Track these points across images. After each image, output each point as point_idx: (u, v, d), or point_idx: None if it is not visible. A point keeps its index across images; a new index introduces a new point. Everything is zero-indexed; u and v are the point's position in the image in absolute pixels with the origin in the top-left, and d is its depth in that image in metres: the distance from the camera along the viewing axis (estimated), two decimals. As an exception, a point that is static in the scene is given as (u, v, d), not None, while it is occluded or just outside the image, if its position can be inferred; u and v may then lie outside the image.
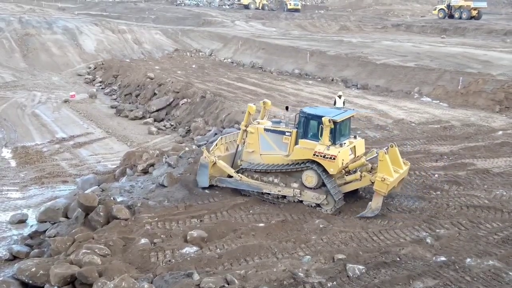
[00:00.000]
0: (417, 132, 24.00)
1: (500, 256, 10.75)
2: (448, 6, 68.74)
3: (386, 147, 14.68)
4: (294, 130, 15.27)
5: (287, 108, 18.25)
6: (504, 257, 10.70)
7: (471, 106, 29.99)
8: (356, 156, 15.09)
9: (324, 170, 14.39)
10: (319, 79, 41.47)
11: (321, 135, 14.39)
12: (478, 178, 16.94)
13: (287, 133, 15.33)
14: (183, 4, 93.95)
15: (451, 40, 52.71)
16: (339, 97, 25.46)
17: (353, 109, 17.79)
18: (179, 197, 15.88)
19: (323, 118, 14.19)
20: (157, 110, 34.54)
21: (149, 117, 33.88)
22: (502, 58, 37.87)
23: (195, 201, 15.60)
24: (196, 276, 10.00)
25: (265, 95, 33.88)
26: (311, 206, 14.91)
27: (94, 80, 47.38)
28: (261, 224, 13.42)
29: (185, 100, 33.95)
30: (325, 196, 14.58)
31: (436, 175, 17.29)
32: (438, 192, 15.63)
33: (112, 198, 15.89)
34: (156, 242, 12.40)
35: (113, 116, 35.20)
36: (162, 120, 33.64)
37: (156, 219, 14.02)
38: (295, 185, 15.05)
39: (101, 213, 14.26)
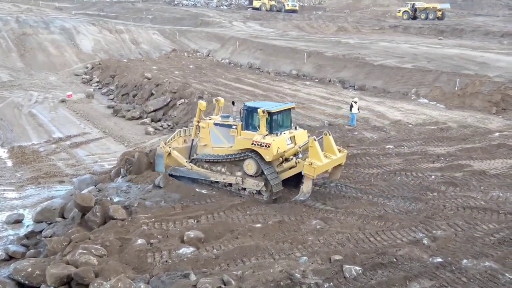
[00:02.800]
0: (414, 133, 24.05)
1: (497, 257, 10.77)
2: (412, 8, 73.04)
3: (321, 136, 15.91)
4: (240, 123, 16.35)
5: (233, 103, 18.99)
6: (500, 258, 10.72)
7: (468, 107, 30.06)
8: (297, 145, 16.06)
9: (262, 158, 15.45)
10: (317, 80, 41.52)
11: (259, 126, 15.56)
12: (475, 179, 16.98)
13: (233, 126, 16.46)
14: (180, 5, 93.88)
15: (448, 42, 52.86)
16: (355, 102, 25.53)
17: (293, 102, 18.87)
18: (176, 197, 15.86)
19: (258, 110, 15.37)
20: (154, 110, 34.52)
21: (146, 117, 33.84)
22: (499, 59, 37.99)
23: (192, 202, 15.59)
24: (192, 277, 9.98)
25: (262, 95, 33.89)
26: (253, 193, 15.97)
27: (91, 80, 47.33)
28: (258, 225, 13.41)
29: (182, 100, 33.94)
30: (263, 183, 15.63)
31: (433, 176, 17.32)
32: (435, 193, 15.65)
33: (108, 198, 15.85)
34: (153, 242, 12.37)
35: (110, 116, 35.15)
36: (159, 120, 33.61)
37: (153, 219, 13.99)
38: (239, 173, 16.22)
39: (98, 214, 14.22)
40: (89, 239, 12.65)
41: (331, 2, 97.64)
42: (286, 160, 15.80)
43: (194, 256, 11.48)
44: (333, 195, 15.84)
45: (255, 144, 15.41)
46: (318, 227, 13.11)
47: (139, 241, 12.28)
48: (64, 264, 11.00)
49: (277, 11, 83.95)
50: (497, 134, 23.73)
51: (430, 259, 10.74)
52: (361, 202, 15.12)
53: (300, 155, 15.63)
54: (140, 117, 34.09)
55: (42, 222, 15.99)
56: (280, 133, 15.79)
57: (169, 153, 17.91)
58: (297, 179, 15.87)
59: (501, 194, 15.40)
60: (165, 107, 34.90)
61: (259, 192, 15.88)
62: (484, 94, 30.37)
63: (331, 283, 9.84)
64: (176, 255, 11.60)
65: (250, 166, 15.84)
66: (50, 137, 29.90)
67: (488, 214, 13.71)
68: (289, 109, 16.60)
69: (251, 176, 15.93)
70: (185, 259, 11.24)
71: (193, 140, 18.15)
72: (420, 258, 10.75)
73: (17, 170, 24.06)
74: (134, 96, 39.14)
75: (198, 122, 17.54)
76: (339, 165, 16.40)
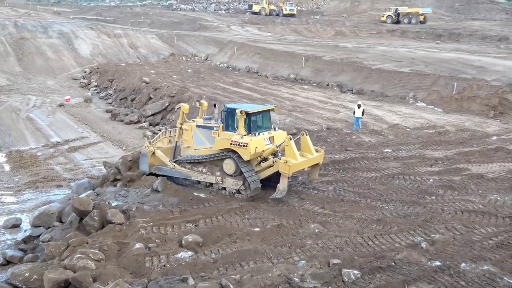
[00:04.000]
0: (412, 137, 24.08)
1: (495, 261, 10.77)
2: (396, 13, 76.69)
3: (298, 136, 16.46)
4: (221, 125, 16.74)
5: (214, 105, 19.20)
6: (498, 262, 10.72)
7: (466, 111, 30.14)
8: (274, 144, 16.45)
9: (240, 157, 15.79)
10: (315, 84, 41.59)
11: (237, 126, 15.94)
12: (473, 183, 17.00)
13: (215, 128, 16.82)
14: (178, 9, 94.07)
15: (446, 46, 53.05)
16: (358, 106, 25.55)
17: (273, 104, 19.22)
18: (174, 201, 15.84)
19: (236, 110, 15.80)
20: (152, 115, 34.52)
21: (144, 121, 33.84)
22: (496, 63, 38.14)
23: (190, 206, 15.56)
24: (191, 281, 9.96)
25: (260, 99, 33.92)
26: (233, 192, 16.29)
27: (89, 84, 47.34)
28: (257, 229, 13.38)
29: (180, 104, 33.93)
30: (242, 182, 15.97)
31: (431, 180, 17.33)
32: (433, 197, 15.66)
33: (106, 202, 15.81)
34: (151, 246, 12.34)
35: (108, 120, 35.14)
36: (158, 124, 33.60)
37: (151, 223, 13.96)
38: (219, 173, 16.61)
39: (96, 218, 14.19)
40: (87, 243, 12.61)
41: (329, 7, 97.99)
42: (265, 159, 16.16)
43: (192, 260, 11.45)
44: (332, 199, 15.84)
45: (233, 144, 15.80)
46: (316, 231, 13.09)
47: (137, 245, 12.24)
48: (62, 269, 10.96)
49: (276, 15, 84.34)
50: (494, 137, 23.78)
51: (429, 262, 10.74)
52: (360, 206, 15.12)
53: (280, 155, 15.92)
54: (138, 121, 34.09)
55: (39, 226, 15.94)
56: (259, 134, 16.18)
57: (153, 153, 18.33)
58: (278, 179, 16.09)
59: (499, 198, 15.41)
60: (163, 111, 34.90)
61: (238, 191, 16.22)
62: (482, 98, 30.46)
63: (330, 287, 9.83)
64: (174, 259, 11.57)
65: (229, 165, 16.26)
66: (48, 141, 29.87)
67: (486, 218, 13.71)
68: (268, 110, 16.99)
69: (230, 175, 16.32)
70: (183, 263, 11.21)
71: (177, 141, 18.59)
72: (418, 262, 10.75)
73: (15, 175, 24.01)
74: (132, 100, 39.13)
75: (181, 124, 17.96)
76: (317, 164, 16.79)
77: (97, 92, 44.62)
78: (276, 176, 15.72)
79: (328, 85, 40.39)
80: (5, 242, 15.96)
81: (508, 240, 11.93)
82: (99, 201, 15.75)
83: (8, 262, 13.98)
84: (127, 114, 35.48)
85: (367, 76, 39.34)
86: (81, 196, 17.26)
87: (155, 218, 14.39)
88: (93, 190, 18.66)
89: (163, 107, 35.01)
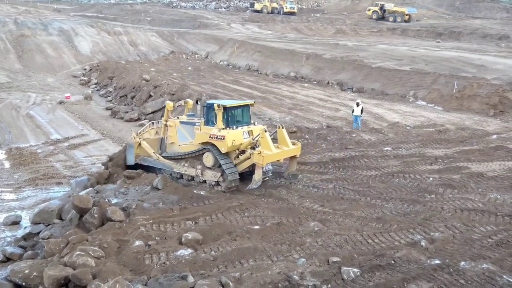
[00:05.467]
0: (412, 135, 24.09)
1: (494, 259, 10.78)
2: (381, 9, 77.18)
3: (275, 130, 17.08)
4: (202, 120, 17.32)
5: (197, 101, 19.54)
6: (498, 260, 10.72)
7: (466, 110, 30.13)
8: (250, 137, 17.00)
9: (218, 150, 16.42)
10: (315, 82, 41.58)
11: (216, 121, 16.54)
12: (473, 181, 17.01)
13: (197, 124, 17.45)
14: (179, 7, 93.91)
15: (446, 44, 52.99)
16: (357, 104, 25.50)
17: (253, 100, 19.69)
18: (173, 199, 15.84)
19: (214, 105, 16.53)
20: (152, 112, 34.42)
21: (144, 119, 33.72)
22: (497, 62, 38.11)
23: (190, 204, 15.57)
24: (190, 279, 9.96)
25: (260, 97, 33.92)
26: (212, 184, 16.84)
27: (89, 82, 47.29)
28: (256, 227, 13.39)
29: (180, 102, 33.87)
30: (220, 174, 16.49)
31: (431, 179, 17.34)
32: (433, 195, 15.67)
33: (106, 200, 15.82)
34: (151, 244, 12.34)
35: (108, 118, 35.11)
36: (158, 122, 33.52)
37: (151, 221, 13.96)
38: (199, 166, 17.15)
39: (96, 215, 14.17)
40: (87, 240, 12.60)
41: (329, 5, 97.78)
42: (243, 152, 16.67)
43: (192, 258, 11.46)
44: (331, 197, 15.85)
45: (212, 137, 16.47)
46: (316, 229, 13.10)
47: (137, 242, 12.24)
48: (61, 266, 10.95)
49: (278, 13, 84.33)
50: (495, 136, 23.79)
51: (428, 261, 10.74)
52: (359, 204, 15.13)
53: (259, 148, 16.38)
54: (138, 119, 34.01)
55: (39, 223, 15.90)
56: (236, 128, 16.73)
57: (139, 144, 19.07)
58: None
59: (499, 196, 15.42)
60: (163, 109, 34.80)
61: (217, 183, 16.72)
62: (482, 96, 30.44)
63: (329, 285, 9.84)
64: (174, 257, 11.58)
65: (208, 158, 16.82)
66: (48, 138, 29.84)
67: (486, 216, 13.72)
68: (247, 105, 17.56)
69: (210, 168, 16.85)
70: (183, 261, 11.22)
71: (162, 139, 19.34)
72: (418, 260, 10.75)
73: (15, 172, 24.00)
74: (132, 97, 39.09)
75: (166, 121, 18.73)
76: (294, 157, 17.37)
77: (97, 90, 44.56)
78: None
79: (328, 83, 40.38)
80: (4, 239, 15.94)
81: (507, 238, 11.94)
82: (99, 199, 15.75)
83: (8, 259, 13.95)
84: (127, 112, 35.44)
85: (368, 74, 39.32)
86: (81, 193, 17.26)
87: (155, 216, 14.40)
88: (93, 187, 18.65)
89: (163, 105, 34.89)
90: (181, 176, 17.81)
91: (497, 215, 13.72)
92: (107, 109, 37.52)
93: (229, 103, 17.21)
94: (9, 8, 74.72)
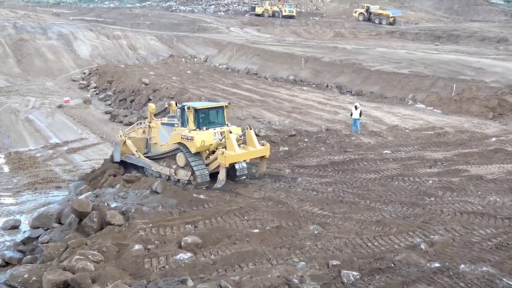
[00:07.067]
0: (411, 138, 24.10)
1: (494, 262, 10.77)
2: (367, 11, 79.80)
3: (244, 131, 17.62)
4: (180, 122, 18.04)
5: (176, 103, 20.40)
6: (498, 263, 10.71)
7: (465, 112, 30.16)
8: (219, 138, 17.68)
9: (189, 150, 17.15)
10: (314, 85, 41.60)
11: (188, 122, 17.25)
12: (472, 184, 17.00)
13: (175, 125, 18.24)
14: (178, 10, 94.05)
15: (445, 47, 53.08)
16: (356, 107, 25.50)
17: (228, 101, 20.13)
18: (173, 203, 15.82)
19: (184, 106, 17.28)
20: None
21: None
22: (495, 65, 38.16)
23: (189, 207, 15.55)
24: (190, 283, 9.95)
25: (259, 101, 33.95)
26: (185, 183, 17.53)
27: (88, 86, 47.34)
28: (256, 230, 13.37)
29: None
30: (190, 173, 17.27)
31: (430, 181, 17.34)
32: (432, 198, 15.66)
33: (106, 204, 15.80)
34: (150, 248, 12.32)
35: (108, 122, 35.14)
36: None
37: (150, 225, 13.94)
38: (175, 166, 17.95)
39: (95, 219, 14.16)
40: (86, 244, 12.59)
41: (328, 8, 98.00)
42: (213, 152, 17.38)
43: (192, 261, 11.43)
44: (331, 200, 15.84)
45: (183, 138, 17.29)
46: (315, 232, 13.09)
47: (136, 246, 12.23)
48: (60, 270, 10.94)
49: (277, 16, 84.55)
50: (494, 139, 23.80)
51: (428, 264, 10.73)
52: (359, 207, 15.11)
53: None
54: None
55: (38, 228, 15.90)
56: (207, 129, 17.33)
57: (125, 142, 20.12)
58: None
59: (498, 199, 15.41)
60: (162, 113, 34.84)
61: (189, 182, 17.45)
62: (481, 99, 30.48)
63: (329, 289, 9.82)
64: (173, 261, 11.55)
65: (180, 158, 17.61)
66: (47, 142, 29.86)
67: (485, 219, 13.71)
68: (221, 107, 18.12)
69: (182, 167, 17.63)
70: (183, 265, 11.20)
71: (147, 139, 20.24)
72: (417, 263, 10.74)
73: (14, 176, 24.00)
74: (131, 101, 39.12)
75: (150, 122, 19.70)
76: (263, 157, 17.99)
77: (96, 94, 44.61)
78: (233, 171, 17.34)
79: (327, 86, 40.41)
80: (4, 244, 15.93)
81: (507, 241, 11.93)
82: (98, 203, 15.74)
83: (7, 264, 13.93)
84: (126, 115, 35.46)
85: (366, 78, 39.36)
86: (80, 197, 17.25)
87: (154, 220, 14.37)
88: (92, 191, 18.64)
89: (162, 109, 34.93)
90: (167, 177, 18.26)
91: (497, 218, 13.71)
92: (106, 113, 37.55)
93: (200, 105, 18.06)
94: (8, 12, 74.84)
